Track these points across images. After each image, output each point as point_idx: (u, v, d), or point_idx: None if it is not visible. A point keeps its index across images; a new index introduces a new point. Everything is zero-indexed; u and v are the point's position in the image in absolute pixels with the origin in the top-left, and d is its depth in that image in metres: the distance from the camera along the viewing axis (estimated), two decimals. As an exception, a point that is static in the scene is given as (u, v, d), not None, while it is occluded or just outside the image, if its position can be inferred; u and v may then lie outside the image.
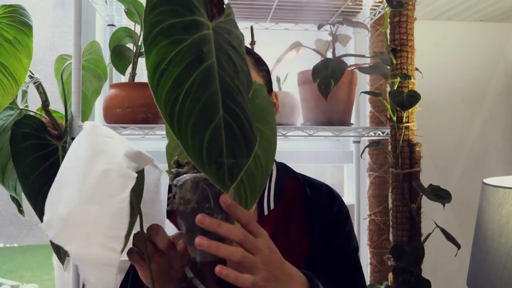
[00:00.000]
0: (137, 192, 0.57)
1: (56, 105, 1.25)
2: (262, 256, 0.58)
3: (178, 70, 0.50)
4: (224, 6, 0.58)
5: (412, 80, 1.18)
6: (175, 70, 0.50)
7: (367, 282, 1.57)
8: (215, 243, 0.55)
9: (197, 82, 0.50)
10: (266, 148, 0.65)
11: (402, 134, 1.18)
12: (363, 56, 1.47)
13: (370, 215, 1.58)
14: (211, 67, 0.52)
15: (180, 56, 0.50)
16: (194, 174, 0.56)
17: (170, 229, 0.64)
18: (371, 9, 1.47)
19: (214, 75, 0.52)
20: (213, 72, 0.52)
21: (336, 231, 0.92)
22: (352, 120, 1.43)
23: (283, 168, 1.00)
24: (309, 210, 0.93)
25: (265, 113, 0.66)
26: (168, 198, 0.58)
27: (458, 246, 1.10)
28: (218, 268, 0.54)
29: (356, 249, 0.94)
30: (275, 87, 1.35)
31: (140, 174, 0.58)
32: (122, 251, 0.50)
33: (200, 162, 0.49)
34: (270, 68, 1.01)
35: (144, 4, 1.34)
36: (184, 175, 0.57)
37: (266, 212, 0.92)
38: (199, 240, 0.54)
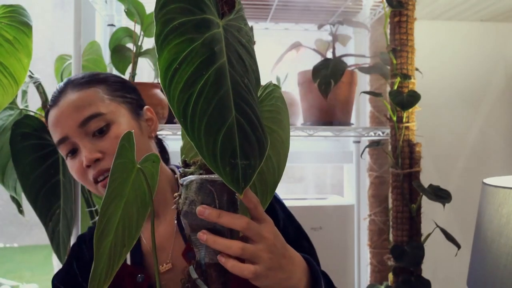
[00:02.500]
0: (150, 185, 0.57)
1: (56, 105, 1.25)
2: (266, 244, 0.57)
3: (190, 70, 0.50)
4: (235, 3, 0.58)
5: (412, 80, 1.18)
6: (188, 70, 0.50)
7: (367, 282, 1.57)
8: (212, 236, 0.54)
9: (209, 83, 0.50)
10: (278, 149, 0.64)
11: (402, 134, 1.18)
12: (363, 56, 1.47)
13: (370, 215, 1.57)
14: (223, 67, 0.52)
15: (192, 55, 0.50)
16: (201, 176, 0.56)
17: None
18: (371, 9, 1.47)
19: (225, 75, 0.52)
20: (225, 72, 0.52)
21: (280, 226, 0.86)
22: (352, 120, 1.43)
23: None
24: None
25: (278, 113, 0.65)
26: (175, 197, 0.58)
27: (458, 246, 1.10)
28: (219, 257, 0.55)
29: (298, 227, 0.89)
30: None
31: (155, 166, 0.58)
32: None
33: (214, 163, 0.49)
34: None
35: (144, 4, 1.34)
36: (190, 176, 0.56)
37: None
38: (201, 234, 0.54)
